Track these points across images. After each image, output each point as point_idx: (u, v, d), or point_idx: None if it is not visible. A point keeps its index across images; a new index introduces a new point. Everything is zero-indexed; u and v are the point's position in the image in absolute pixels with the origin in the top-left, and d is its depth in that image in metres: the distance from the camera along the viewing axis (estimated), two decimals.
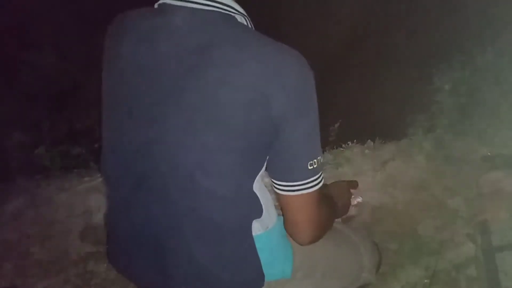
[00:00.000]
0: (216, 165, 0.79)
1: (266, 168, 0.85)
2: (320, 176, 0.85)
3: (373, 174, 2.22)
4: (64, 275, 1.71)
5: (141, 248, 0.90)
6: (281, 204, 0.87)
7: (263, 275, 0.90)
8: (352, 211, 1.90)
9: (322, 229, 0.92)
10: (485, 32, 3.09)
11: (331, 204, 1.01)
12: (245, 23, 0.84)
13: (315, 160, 0.82)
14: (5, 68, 2.85)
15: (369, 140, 2.68)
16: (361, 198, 1.17)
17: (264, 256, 0.89)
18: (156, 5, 0.85)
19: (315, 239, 0.90)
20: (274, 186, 0.85)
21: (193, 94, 0.77)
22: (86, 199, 2.22)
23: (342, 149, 2.58)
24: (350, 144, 2.62)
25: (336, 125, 2.77)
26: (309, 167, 0.81)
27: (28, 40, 3.04)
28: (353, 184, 1.16)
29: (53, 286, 1.67)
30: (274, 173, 0.84)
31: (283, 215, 0.90)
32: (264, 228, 0.91)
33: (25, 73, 2.90)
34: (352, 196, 1.15)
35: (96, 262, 1.75)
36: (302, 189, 0.83)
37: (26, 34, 3.04)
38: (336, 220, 1.09)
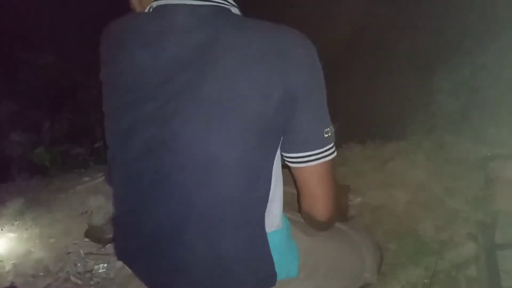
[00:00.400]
0: (235, 152, 0.81)
1: (282, 146, 0.87)
2: (334, 145, 0.89)
3: (373, 174, 2.22)
4: (64, 275, 1.71)
5: (157, 244, 0.90)
6: (299, 179, 0.90)
7: (275, 273, 0.90)
8: (352, 211, 1.90)
9: (336, 206, 0.94)
10: (485, 32, 3.09)
11: None
12: (239, 14, 0.86)
13: (329, 128, 0.87)
14: (5, 68, 2.85)
15: (369, 140, 2.68)
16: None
17: (273, 255, 0.89)
18: (149, 8, 0.85)
19: (332, 216, 0.93)
20: (293, 162, 0.88)
21: (210, 86, 0.79)
22: (86, 199, 2.22)
23: (342, 149, 2.58)
24: (350, 144, 2.63)
25: (336, 125, 2.77)
26: (325, 135, 0.86)
27: (28, 40, 3.04)
28: (345, 189, 1.17)
29: (53, 286, 1.67)
30: (293, 146, 0.87)
31: (299, 194, 0.92)
32: (275, 226, 0.91)
33: (25, 73, 2.90)
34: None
35: (96, 262, 1.75)
36: (321, 158, 0.87)
37: (26, 34, 3.03)
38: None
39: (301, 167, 0.88)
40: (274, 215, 0.91)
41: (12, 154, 2.69)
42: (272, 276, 0.90)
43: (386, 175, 2.19)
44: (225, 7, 0.83)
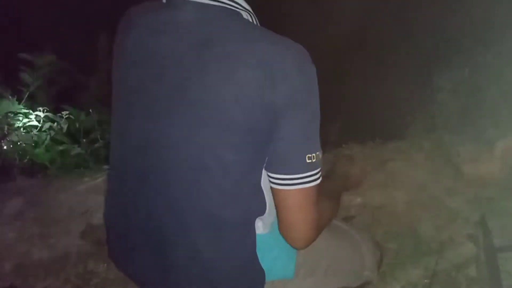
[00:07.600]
0: (219, 161, 0.80)
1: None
2: (318, 172, 0.84)
3: (373, 174, 2.22)
4: (64, 275, 1.71)
5: (144, 243, 0.90)
6: (277, 202, 0.86)
7: (263, 274, 0.90)
8: (352, 211, 1.91)
9: (319, 230, 0.90)
10: (485, 32, 3.09)
11: (331, 202, 0.99)
12: (250, 20, 0.84)
13: (314, 155, 0.82)
14: (5, 68, 2.85)
15: (369, 140, 2.68)
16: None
17: (267, 255, 0.89)
18: None
19: (310, 242, 0.89)
20: (271, 182, 0.84)
21: (197, 90, 0.78)
22: (86, 199, 2.22)
23: (342, 149, 2.58)
24: (350, 144, 2.63)
25: (336, 125, 2.77)
26: (307, 160, 0.81)
27: (28, 40, 3.04)
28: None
29: (53, 286, 1.67)
30: (272, 166, 0.83)
31: (277, 216, 0.88)
32: (268, 227, 0.90)
33: (25, 73, 2.89)
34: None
35: (96, 262, 1.75)
36: (300, 183, 0.82)
37: (26, 34, 3.03)
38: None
39: (278, 189, 0.83)
40: (266, 218, 0.90)
41: (12, 154, 2.68)
42: (260, 276, 0.90)
43: (386, 175, 2.19)
44: (234, 11, 0.82)
